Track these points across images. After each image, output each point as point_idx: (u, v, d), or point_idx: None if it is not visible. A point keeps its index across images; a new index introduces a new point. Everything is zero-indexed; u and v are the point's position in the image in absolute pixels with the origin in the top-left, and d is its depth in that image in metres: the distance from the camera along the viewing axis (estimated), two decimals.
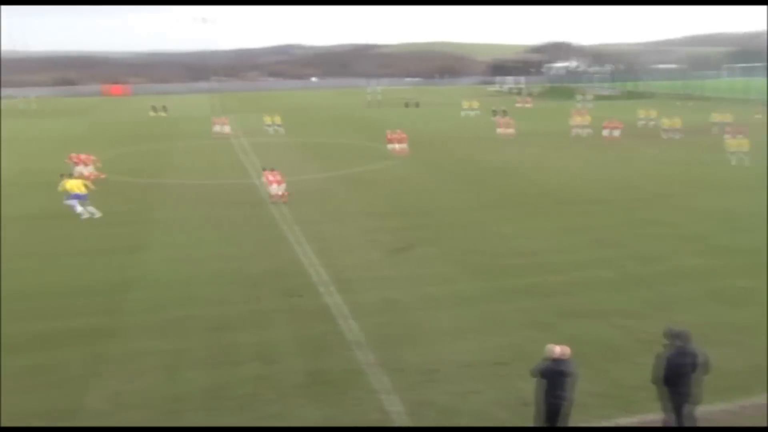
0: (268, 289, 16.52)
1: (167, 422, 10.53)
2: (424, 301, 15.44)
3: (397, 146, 39.41)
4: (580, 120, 48.43)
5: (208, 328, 14.09)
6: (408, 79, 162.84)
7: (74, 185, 25.15)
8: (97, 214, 24.65)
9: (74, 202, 24.78)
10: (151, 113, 76.58)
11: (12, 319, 14.78)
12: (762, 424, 10.20)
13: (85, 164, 32.83)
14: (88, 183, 26.30)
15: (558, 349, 9.21)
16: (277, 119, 55.05)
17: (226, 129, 52.78)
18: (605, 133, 45.00)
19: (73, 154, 33.56)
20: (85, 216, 24.46)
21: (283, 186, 26.85)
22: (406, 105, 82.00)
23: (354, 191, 29.05)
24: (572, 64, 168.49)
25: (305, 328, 14.04)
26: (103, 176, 32.75)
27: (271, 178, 26.89)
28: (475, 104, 69.61)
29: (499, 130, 48.12)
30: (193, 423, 10.50)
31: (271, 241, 21.01)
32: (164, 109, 77.86)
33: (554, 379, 9.16)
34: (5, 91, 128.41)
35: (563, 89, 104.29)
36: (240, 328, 14.09)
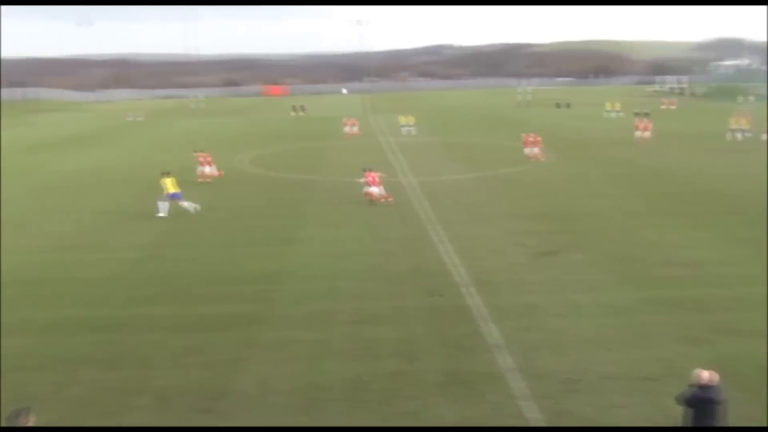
0: (409, 286, 16.72)
1: (310, 409, 10.95)
2: (568, 308, 14.95)
3: (531, 150, 37.67)
4: (738, 122, 44.87)
5: (350, 322, 14.50)
6: (560, 79, 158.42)
7: (171, 184, 25.82)
8: (162, 213, 25.12)
9: (176, 199, 25.49)
10: (292, 113, 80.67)
11: (176, 302, 16.03)
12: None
13: (209, 164, 33.55)
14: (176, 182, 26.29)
15: (706, 375, 8.49)
16: (411, 120, 55.35)
17: (355, 129, 53.93)
18: (764, 137, 41.36)
19: (199, 154, 34.25)
20: (164, 214, 25.08)
21: (382, 188, 26.70)
22: (558, 106, 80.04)
23: (497, 192, 28.69)
24: (744, 62, 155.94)
25: (445, 327, 14.06)
26: (221, 174, 33.35)
27: (371, 179, 26.76)
28: (618, 105, 67.36)
29: (637, 133, 45.65)
30: (335, 413, 10.84)
31: (413, 239, 21.23)
32: (302, 108, 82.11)
33: (703, 407, 8.45)
34: (179, 92, 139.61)
35: (730, 89, 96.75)
36: (381, 323, 14.38)
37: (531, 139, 38.28)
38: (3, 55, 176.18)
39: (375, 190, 26.49)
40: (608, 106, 67.79)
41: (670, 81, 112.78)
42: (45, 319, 15.14)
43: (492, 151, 42.35)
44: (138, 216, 25.56)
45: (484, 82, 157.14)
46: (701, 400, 8.48)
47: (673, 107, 75.03)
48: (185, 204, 25.68)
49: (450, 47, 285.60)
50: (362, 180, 26.96)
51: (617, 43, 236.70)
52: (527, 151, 38.00)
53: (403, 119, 55.83)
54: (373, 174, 26.91)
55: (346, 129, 54.39)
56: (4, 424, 8.01)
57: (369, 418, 10.67)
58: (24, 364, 12.81)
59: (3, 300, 16.37)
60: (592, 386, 11.40)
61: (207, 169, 33.13)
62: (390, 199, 26.49)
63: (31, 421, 7.89)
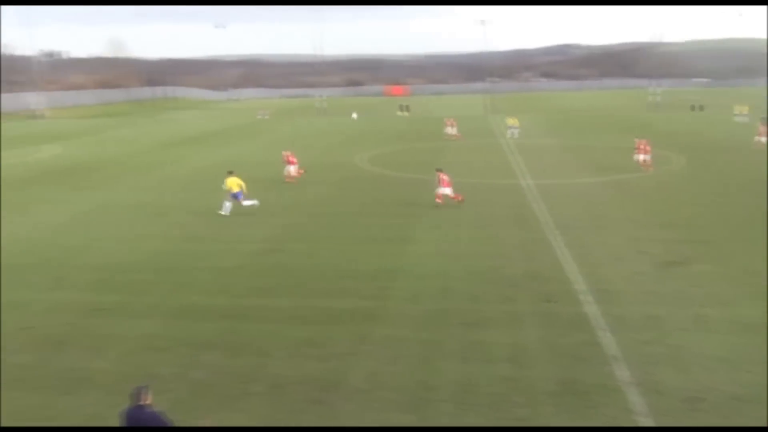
0: (524, 291, 16.39)
1: (419, 408, 10.96)
2: (694, 322, 14.10)
3: (641, 157, 34.75)
4: None
5: (462, 323, 14.39)
6: (695, 80, 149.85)
7: (233, 183, 26.01)
8: (224, 212, 25.54)
9: (238, 199, 25.85)
10: (398, 113, 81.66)
11: (293, 295, 16.56)
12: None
13: (293, 163, 33.75)
14: (242, 183, 26.42)
15: None
16: (516, 122, 54.29)
17: (454, 131, 53.55)
18: None
19: (288, 153, 34.54)
20: (226, 213, 25.56)
21: (450, 189, 26.54)
22: (692, 108, 75.88)
23: (619, 198, 27.54)
24: None
25: (560, 335, 13.66)
26: (301, 173, 33.57)
27: (443, 180, 26.64)
28: (745, 109, 63.08)
29: (756, 138, 42.14)
30: (443, 413, 10.80)
31: (530, 243, 20.79)
32: (407, 108, 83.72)
33: None
34: (305, 91, 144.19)
35: None
36: (493, 327, 14.17)
37: (642, 145, 35.45)
38: (145, 56, 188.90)
39: (447, 191, 26.59)
40: (736, 109, 63.91)
41: None
42: (174, 304, 16.07)
43: (616, 154, 40.71)
44: (261, 210, 26.60)
45: (612, 83, 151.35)
46: None
47: None
48: (249, 203, 26.09)
49: (576, 46, 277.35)
50: (437, 180, 26.97)
51: (762, 42, 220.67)
52: (637, 157, 35.16)
53: (510, 121, 54.98)
54: (443, 175, 26.97)
55: (447, 130, 54.12)
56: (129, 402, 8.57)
57: (478, 421, 10.55)
58: (152, 345, 13.67)
59: (140, 284, 17.57)
60: (718, 407, 10.69)
61: (291, 169, 33.52)
62: (459, 199, 26.47)
63: (149, 399, 8.44)
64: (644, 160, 34.83)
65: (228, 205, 25.86)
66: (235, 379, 12.10)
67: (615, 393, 11.25)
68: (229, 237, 22.56)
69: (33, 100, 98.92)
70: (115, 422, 8.69)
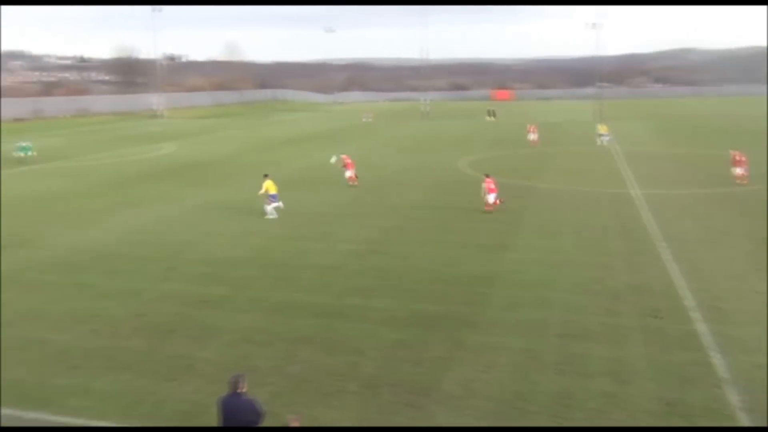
0: (628, 304, 15.72)
1: (514, 419, 10.73)
2: None
3: (738, 170, 32.21)
4: None
5: (561, 335, 13.97)
6: None
7: (270, 186, 26.28)
8: (275, 215, 25.85)
9: (275, 202, 26.12)
10: (486, 118, 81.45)
11: (390, 296, 16.63)
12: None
13: (351, 168, 33.70)
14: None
15: None
16: (605, 129, 52.43)
17: (535, 137, 52.63)
18: None
19: (346, 157, 34.62)
20: (271, 216, 25.86)
21: (494, 195, 26.46)
22: None
23: (735, 211, 25.90)
24: None
25: (666, 353, 12.99)
26: (353, 179, 33.36)
27: (490, 186, 26.51)
28: None
29: None
30: (538, 426, 10.52)
31: (636, 254, 19.93)
32: (494, 113, 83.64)
33: None
34: (410, 95, 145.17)
35: None
36: (593, 340, 13.67)
37: (738, 156, 32.75)
38: (259, 59, 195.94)
39: (491, 197, 26.54)
40: None
41: None
42: (274, 299, 16.52)
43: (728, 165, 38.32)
44: (361, 211, 26.95)
45: (734, 89, 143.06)
46: None
47: None
48: (275, 205, 26.16)
49: (693, 50, 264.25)
50: (484, 186, 26.88)
51: None
52: (734, 170, 32.52)
53: (601, 128, 53.09)
54: (490, 182, 26.78)
55: (530, 137, 53.19)
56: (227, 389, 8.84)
57: None
58: (252, 338, 14.10)
59: (244, 279, 18.19)
60: None
61: (348, 173, 33.58)
62: (501, 201, 26.61)
63: (245, 388, 8.69)
64: (741, 174, 32.19)
65: (269, 208, 26.14)
66: (330, 376, 12.28)
67: (723, 418, 10.58)
68: (329, 237, 22.96)
69: (154, 100, 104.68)
70: (213, 410, 8.98)
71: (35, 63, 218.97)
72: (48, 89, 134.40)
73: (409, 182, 34.33)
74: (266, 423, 8.85)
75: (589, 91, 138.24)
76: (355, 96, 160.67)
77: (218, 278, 18.33)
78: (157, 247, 21.90)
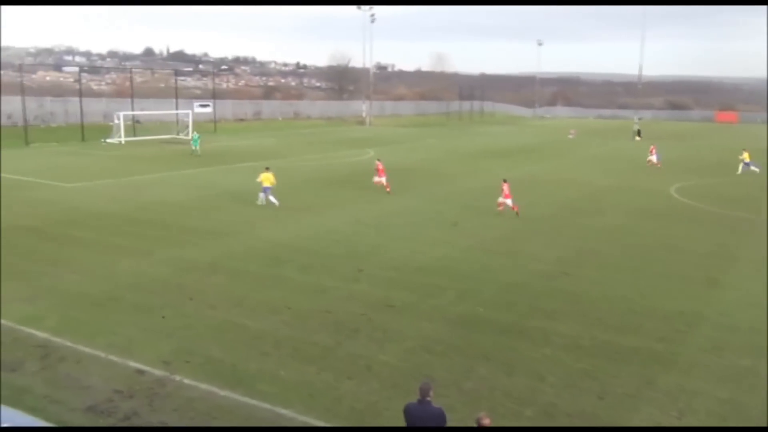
0: None
1: None
2: None
3: None
4: None
5: None
6: None
7: (266, 179, 29.90)
8: (277, 203, 29.42)
9: (266, 193, 29.78)
10: (636, 138, 79.72)
11: (576, 322, 15.96)
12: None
13: (381, 176, 35.16)
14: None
15: None
16: (747, 156, 47.35)
17: (653, 158, 50.34)
18: None
19: (379, 162, 36.24)
20: (261, 203, 29.80)
21: (511, 200, 28.68)
22: None
23: None
24: None
25: None
26: (380, 181, 35.00)
27: (505, 190, 28.87)
28: None
29: None
30: None
31: None
32: (639, 133, 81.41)
33: None
34: (621, 112, 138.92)
35: None
36: None
37: None
38: (464, 70, 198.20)
39: (508, 202, 28.85)
40: None
41: None
42: (458, 311, 16.55)
43: None
44: (555, 230, 26.19)
45: None
46: None
47: None
48: (267, 197, 29.74)
49: None
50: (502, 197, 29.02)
51: None
52: None
53: (745, 155, 47.55)
54: (506, 186, 29.14)
55: (650, 157, 50.62)
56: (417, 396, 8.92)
57: None
58: (431, 348, 14.22)
59: (429, 287, 18.45)
60: None
61: (376, 179, 35.34)
62: (515, 209, 28.63)
63: (431, 395, 8.74)
64: None
65: (262, 196, 30.01)
66: (506, 398, 12.04)
67: None
68: (518, 253, 22.57)
69: (362, 107, 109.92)
70: (388, 413, 9.19)
71: (260, 68, 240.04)
72: (268, 93, 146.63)
73: (610, 204, 32.79)
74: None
75: None
76: (560, 111, 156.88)
77: (404, 284, 18.75)
78: (349, 248, 22.90)
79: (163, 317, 15.78)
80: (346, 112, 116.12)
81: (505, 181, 29.71)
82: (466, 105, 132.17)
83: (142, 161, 47.93)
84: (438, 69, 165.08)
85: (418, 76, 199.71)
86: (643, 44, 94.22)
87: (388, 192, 34.41)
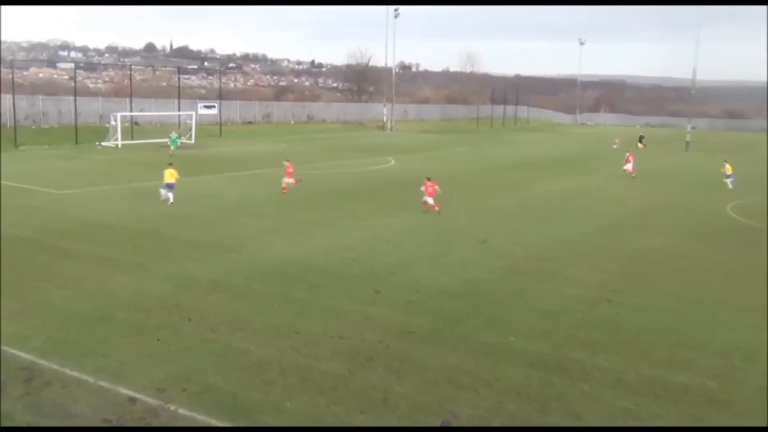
0: None
1: None
2: None
3: None
4: None
5: None
6: None
7: (170, 174, 33.29)
8: (171, 201, 32.95)
9: (165, 190, 33.23)
10: (638, 144, 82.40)
11: (619, 355, 15.80)
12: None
13: (290, 176, 37.88)
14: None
15: None
16: (730, 168, 47.21)
17: (629, 167, 51.31)
18: None
19: (288, 164, 38.58)
20: (164, 198, 33.21)
21: (433, 198, 31.95)
22: None
23: None
24: None
25: None
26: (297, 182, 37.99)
27: (428, 188, 32.11)
28: None
29: None
30: None
31: None
32: (642, 140, 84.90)
33: None
34: (671, 120, 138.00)
35: None
36: None
37: None
38: (496, 71, 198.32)
39: (430, 200, 32.10)
40: None
41: None
42: (487, 340, 16.44)
43: None
44: (596, 250, 26.01)
45: None
46: None
47: None
48: (166, 193, 33.22)
49: None
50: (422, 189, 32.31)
51: None
52: None
53: (727, 168, 47.49)
54: (430, 184, 32.25)
55: (626, 167, 51.50)
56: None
57: None
58: (455, 380, 14.13)
59: (453, 313, 18.39)
60: None
61: (286, 179, 37.95)
62: (437, 208, 31.86)
63: None
64: None
65: (163, 192, 33.35)
66: None
67: None
68: (554, 277, 22.44)
69: (383, 111, 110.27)
70: None
71: (271, 67, 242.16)
72: (279, 93, 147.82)
73: (659, 223, 32.51)
74: None
75: None
76: (604, 118, 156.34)
77: (426, 308, 18.70)
78: (365, 266, 22.90)
79: (159, 339, 15.86)
80: (365, 116, 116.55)
81: (428, 179, 32.75)
82: (499, 110, 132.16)
83: (141, 167, 48.43)
84: (467, 69, 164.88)
85: (446, 76, 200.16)
86: (697, 45, 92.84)
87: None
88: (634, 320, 18.26)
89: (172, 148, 58.77)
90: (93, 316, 17.26)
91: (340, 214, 32.45)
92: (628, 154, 54.76)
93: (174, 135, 61.90)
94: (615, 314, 18.72)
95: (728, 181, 46.91)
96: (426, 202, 32.42)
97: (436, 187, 32.35)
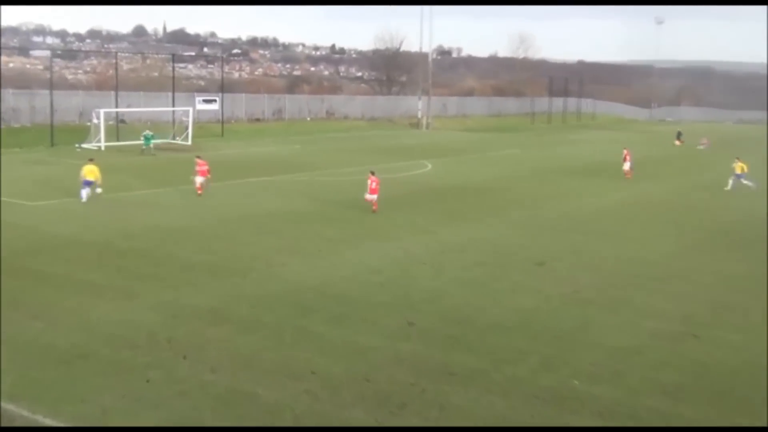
0: None
1: None
2: None
3: None
4: None
5: None
6: None
7: (90, 171, 37.00)
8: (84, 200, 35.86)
9: (85, 188, 36.56)
10: (675, 142, 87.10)
11: (707, 402, 15.60)
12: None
13: (202, 175, 39.61)
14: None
15: None
16: (741, 167, 47.80)
17: (627, 167, 53.24)
18: None
19: (200, 161, 40.59)
20: (84, 200, 36.42)
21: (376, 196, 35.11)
22: None
23: None
24: None
25: None
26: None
27: (372, 184, 35.72)
28: None
29: None
30: None
31: None
32: (680, 136, 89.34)
33: None
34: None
35: None
36: None
37: None
38: (553, 57, 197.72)
39: (373, 197, 35.66)
40: None
41: None
42: (544, 383, 16.31)
43: None
44: (681, 275, 25.75)
45: None
46: None
47: None
48: (96, 190, 36.93)
49: None
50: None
51: None
52: None
53: (737, 166, 47.95)
54: (374, 179, 35.89)
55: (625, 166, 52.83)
56: None
57: None
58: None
59: (504, 350, 18.28)
60: None
61: (197, 179, 39.65)
62: (374, 208, 35.48)
63: None
64: None
65: (83, 193, 36.51)
66: None
67: None
68: (628, 306, 22.26)
69: (418, 105, 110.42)
70: None
71: (283, 53, 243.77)
72: (292, 85, 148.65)
73: (758, 241, 32.03)
74: None
75: None
76: (688, 113, 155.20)
77: (469, 344, 18.61)
78: (396, 293, 22.90)
79: (148, 381, 15.93)
80: (396, 111, 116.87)
81: (372, 173, 36.13)
82: (558, 103, 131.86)
83: (127, 173, 49.00)
84: (520, 55, 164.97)
85: (493, 63, 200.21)
86: None
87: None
88: (727, 360, 18.01)
89: (144, 147, 62.37)
90: (70, 353, 17.40)
91: (365, 230, 32.51)
92: (625, 151, 54.95)
93: (149, 133, 64.54)
94: (702, 353, 18.49)
95: (737, 180, 47.51)
96: (367, 199, 35.88)
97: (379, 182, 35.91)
